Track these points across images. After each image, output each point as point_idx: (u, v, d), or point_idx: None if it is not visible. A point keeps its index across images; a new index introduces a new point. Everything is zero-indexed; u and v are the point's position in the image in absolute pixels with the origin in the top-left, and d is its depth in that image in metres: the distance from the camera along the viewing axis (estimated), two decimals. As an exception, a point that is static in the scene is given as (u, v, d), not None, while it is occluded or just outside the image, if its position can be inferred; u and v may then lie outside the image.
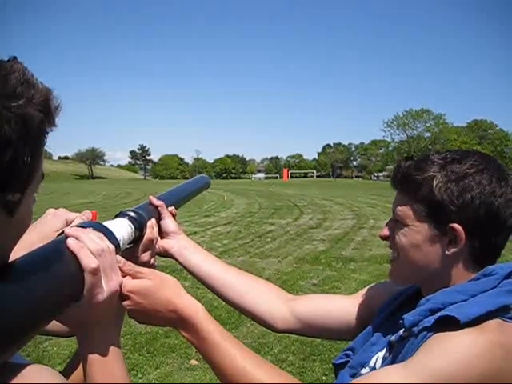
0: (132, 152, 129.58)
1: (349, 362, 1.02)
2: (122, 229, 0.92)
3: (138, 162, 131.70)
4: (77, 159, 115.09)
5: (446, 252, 0.91)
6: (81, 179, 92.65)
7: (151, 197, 1.17)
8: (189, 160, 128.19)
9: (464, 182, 0.89)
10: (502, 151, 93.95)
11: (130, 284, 0.82)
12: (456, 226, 0.89)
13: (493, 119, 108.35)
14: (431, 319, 0.83)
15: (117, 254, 0.80)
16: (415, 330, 0.85)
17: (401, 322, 0.89)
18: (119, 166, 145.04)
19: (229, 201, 24.50)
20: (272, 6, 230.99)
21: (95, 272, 0.70)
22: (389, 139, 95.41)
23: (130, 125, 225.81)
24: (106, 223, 0.87)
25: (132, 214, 0.99)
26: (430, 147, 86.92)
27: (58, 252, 0.70)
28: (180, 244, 1.20)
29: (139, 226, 0.99)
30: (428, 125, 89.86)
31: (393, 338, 0.92)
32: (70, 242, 0.71)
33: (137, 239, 1.00)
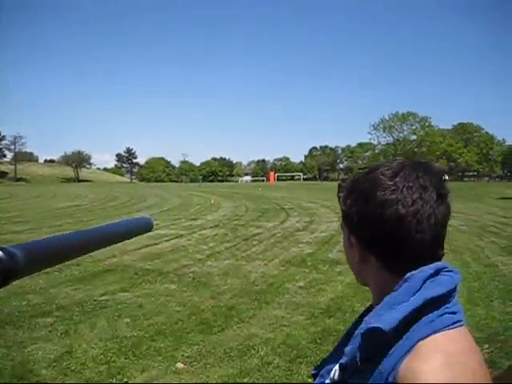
0: (118, 155, 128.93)
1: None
2: None
3: (125, 165, 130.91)
4: (63, 162, 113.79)
5: (357, 259, 0.89)
6: (67, 182, 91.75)
7: None
8: (175, 163, 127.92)
9: (353, 192, 0.87)
10: (487, 154, 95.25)
11: None
12: (352, 237, 0.88)
13: (478, 122, 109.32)
14: (357, 340, 0.79)
15: None
16: (356, 358, 0.79)
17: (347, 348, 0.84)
18: (105, 169, 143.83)
19: (216, 204, 24.48)
20: (258, 9, 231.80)
21: None
22: (375, 142, 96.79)
23: (117, 128, 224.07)
24: None
25: None
26: (415, 150, 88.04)
27: None
28: None
29: None
30: (414, 127, 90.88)
31: (342, 360, 0.84)
32: None
33: None
